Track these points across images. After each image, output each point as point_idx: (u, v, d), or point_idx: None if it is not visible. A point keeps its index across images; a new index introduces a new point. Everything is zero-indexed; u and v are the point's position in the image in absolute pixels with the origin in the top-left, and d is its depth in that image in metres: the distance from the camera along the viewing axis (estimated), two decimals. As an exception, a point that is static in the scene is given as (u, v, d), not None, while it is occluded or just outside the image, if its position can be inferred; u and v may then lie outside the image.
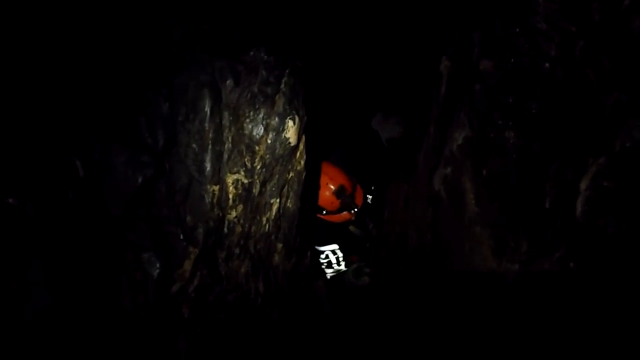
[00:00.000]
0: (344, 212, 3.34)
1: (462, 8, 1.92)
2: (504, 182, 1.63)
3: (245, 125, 1.94)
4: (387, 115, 3.95)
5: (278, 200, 2.07)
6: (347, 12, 3.36)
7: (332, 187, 3.13)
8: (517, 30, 1.67)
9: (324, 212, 3.31)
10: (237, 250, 1.99)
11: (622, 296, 1.42)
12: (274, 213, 2.07)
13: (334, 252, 3.50)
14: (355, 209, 3.32)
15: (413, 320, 1.94)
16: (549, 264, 1.54)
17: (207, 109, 1.86)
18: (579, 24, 1.59)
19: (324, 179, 3.12)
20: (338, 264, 3.51)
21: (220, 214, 1.93)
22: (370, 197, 3.66)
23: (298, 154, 2.10)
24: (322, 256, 3.50)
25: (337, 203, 3.19)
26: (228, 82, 1.91)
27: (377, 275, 2.72)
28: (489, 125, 1.67)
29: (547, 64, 1.63)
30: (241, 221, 1.98)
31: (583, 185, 1.51)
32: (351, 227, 3.59)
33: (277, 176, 2.04)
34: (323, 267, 3.53)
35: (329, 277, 3.52)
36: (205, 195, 1.89)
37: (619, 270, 1.42)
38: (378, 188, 3.64)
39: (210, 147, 1.88)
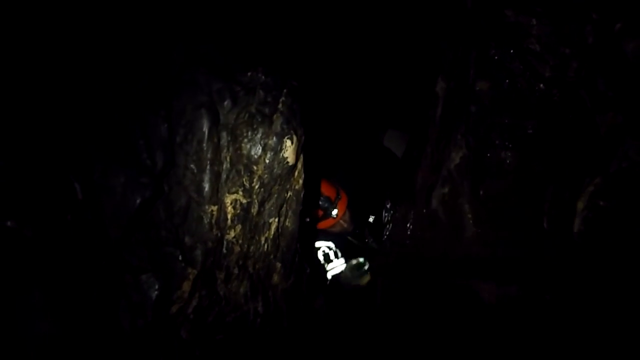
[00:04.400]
0: (328, 219, 3.42)
1: (458, 29, 1.95)
2: (501, 202, 1.65)
3: (243, 145, 1.94)
4: (402, 132, 3.99)
5: (277, 219, 2.07)
6: (344, 31, 3.39)
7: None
8: (512, 51, 1.70)
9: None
10: (235, 271, 1.98)
11: (621, 314, 1.44)
12: (272, 232, 2.07)
13: (329, 247, 3.58)
14: (334, 213, 3.40)
15: (413, 343, 1.94)
16: (548, 284, 1.55)
17: (205, 130, 1.86)
18: (572, 46, 1.62)
19: None
20: (337, 256, 3.57)
21: (219, 235, 1.93)
22: (373, 217, 3.70)
23: (296, 173, 2.10)
24: (320, 252, 3.58)
25: (320, 210, 3.35)
26: (226, 102, 1.91)
27: (377, 297, 2.72)
28: (486, 145, 1.69)
29: (541, 85, 1.66)
30: (240, 241, 1.98)
31: (580, 205, 1.53)
32: (349, 238, 3.65)
33: (275, 196, 2.04)
34: (322, 262, 3.58)
35: (329, 276, 3.56)
36: (204, 216, 1.88)
37: (617, 289, 1.44)
38: (381, 207, 3.68)
39: (208, 167, 1.88)
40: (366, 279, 3.44)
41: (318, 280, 3.18)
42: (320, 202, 3.29)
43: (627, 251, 1.42)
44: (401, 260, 2.19)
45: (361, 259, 3.48)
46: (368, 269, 3.45)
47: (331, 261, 3.56)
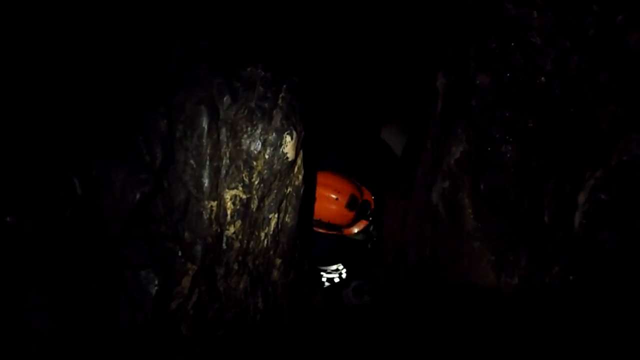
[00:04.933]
0: (361, 220, 3.07)
1: (458, 23, 1.94)
2: (502, 197, 1.64)
3: (242, 141, 1.94)
4: (401, 127, 3.76)
5: (276, 215, 2.06)
6: (343, 26, 3.37)
7: (342, 200, 2.86)
8: (513, 45, 1.69)
9: (341, 228, 3.08)
10: (235, 266, 1.98)
11: (621, 309, 1.42)
12: (272, 228, 2.06)
13: (337, 269, 3.32)
14: (371, 215, 3.04)
15: (412, 337, 1.93)
16: (548, 278, 1.54)
17: (205, 126, 1.86)
18: (573, 38, 1.61)
19: (327, 192, 2.87)
20: (340, 277, 3.32)
21: (219, 230, 1.93)
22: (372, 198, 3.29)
23: (296, 168, 2.10)
24: (325, 278, 3.30)
25: (351, 215, 2.94)
26: (225, 98, 1.91)
27: (376, 291, 2.70)
28: (486, 139, 1.68)
29: (542, 78, 1.64)
30: (239, 237, 1.98)
31: (581, 199, 1.52)
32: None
33: (275, 191, 2.04)
34: (324, 281, 3.32)
35: (326, 285, 3.32)
36: (203, 212, 1.88)
37: (618, 283, 1.43)
38: (379, 191, 3.27)
39: (208, 163, 1.88)
40: (367, 298, 3.21)
41: (317, 276, 3.11)
42: (354, 208, 2.90)
43: (628, 244, 1.40)
44: (400, 256, 2.18)
45: (362, 282, 3.25)
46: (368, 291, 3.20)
47: (334, 283, 3.30)
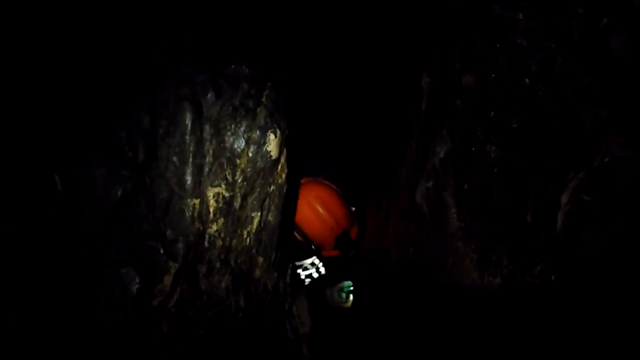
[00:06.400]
0: (336, 250, 3.09)
1: (443, 24, 1.94)
2: (485, 197, 1.65)
3: (226, 138, 1.92)
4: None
5: (259, 213, 2.05)
6: (329, 25, 3.36)
7: (337, 232, 2.88)
8: (498, 46, 1.70)
9: (318, 247, 3.09)
10: (217, 265, 1.96)
11: (603, 309, 1.44)
12: (255, 227, 2.05)
13: (312, 263, 3.26)
14: (346, 250, 3.02)
15: (395, 336, 1.94)
16: (530, 277, 1.55)
17: (188, 123, 1.84)
18: (558, 41, 1.62)
19: (329, 218, 2.85)
20: (318, 272, 3.24)
21: (201, 228, 1.91)
22: (353, 208, 3.47)
23: (279, 167, 2.09)
24: (300, 270, 3.25)
25: (334, 248, 3.00)
26: (209, 95, 1.90)
27: (358, 291, 2.69)
28: (471, 139, 1.69)
29: (527, 80, 1.66)
30: (222, 235, 1.96)
31: (564, 200, 1.53)
32: None
33: (258, 189, 2.03)
34: (303, 278, 3.26)
35: (307, 282, 3.26)
36: (186, 209, 1.86)
37: (600, 283, 1.44)
38: (361, 200, 3.41)
39: (190, 160, 1.86)
40: (351, 301, 3.09)
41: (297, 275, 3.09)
42: (337, 243, 2.90)
43: (609, 245, 1.42)
44: (383, 257, 2.18)
45: (348, 282, 3.11)
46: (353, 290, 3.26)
47: (313, 278, 3.25)
